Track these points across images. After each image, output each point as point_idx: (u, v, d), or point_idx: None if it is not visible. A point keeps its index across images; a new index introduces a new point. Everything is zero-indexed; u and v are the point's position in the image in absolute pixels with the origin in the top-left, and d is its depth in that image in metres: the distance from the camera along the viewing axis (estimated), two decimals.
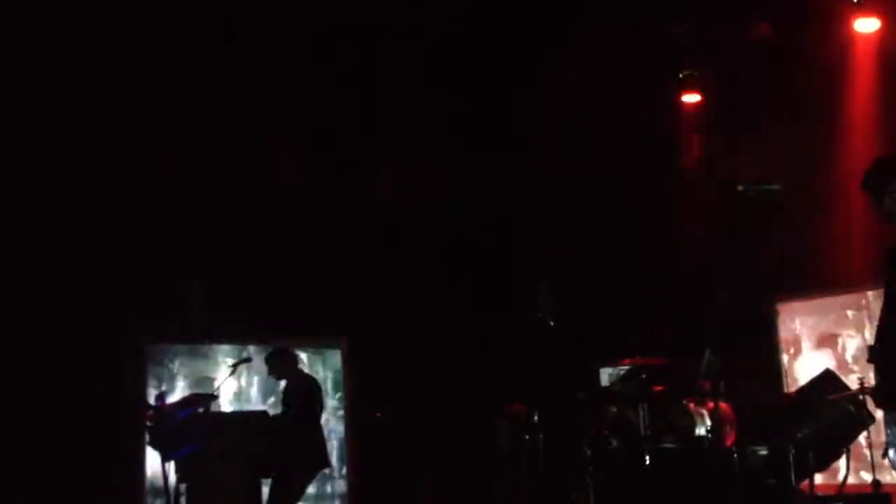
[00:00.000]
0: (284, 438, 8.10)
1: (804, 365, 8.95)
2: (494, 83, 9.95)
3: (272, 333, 9.59)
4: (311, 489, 10.25)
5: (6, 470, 8.16)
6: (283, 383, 8.75)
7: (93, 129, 9.11)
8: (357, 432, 10.52)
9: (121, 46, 8.81)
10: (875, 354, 4.47)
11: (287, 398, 8.54)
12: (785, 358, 9.17)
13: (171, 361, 10.17)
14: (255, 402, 10.20)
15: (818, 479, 7.01)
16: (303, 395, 8.48)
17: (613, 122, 9.42)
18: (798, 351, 9.14)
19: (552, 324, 7.89)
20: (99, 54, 8.80)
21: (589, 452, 7.19)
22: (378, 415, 9.38)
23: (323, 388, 9.86)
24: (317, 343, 10.59)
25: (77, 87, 8.89)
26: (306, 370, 9.63)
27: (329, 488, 10.55)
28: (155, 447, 7.86)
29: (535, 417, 8.35)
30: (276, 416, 8.56)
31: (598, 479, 7.14)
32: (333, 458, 10.18)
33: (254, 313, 9.68)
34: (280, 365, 8.65)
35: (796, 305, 9.19)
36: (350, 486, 10.53)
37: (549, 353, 9.09)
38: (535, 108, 9.85)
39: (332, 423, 10.51)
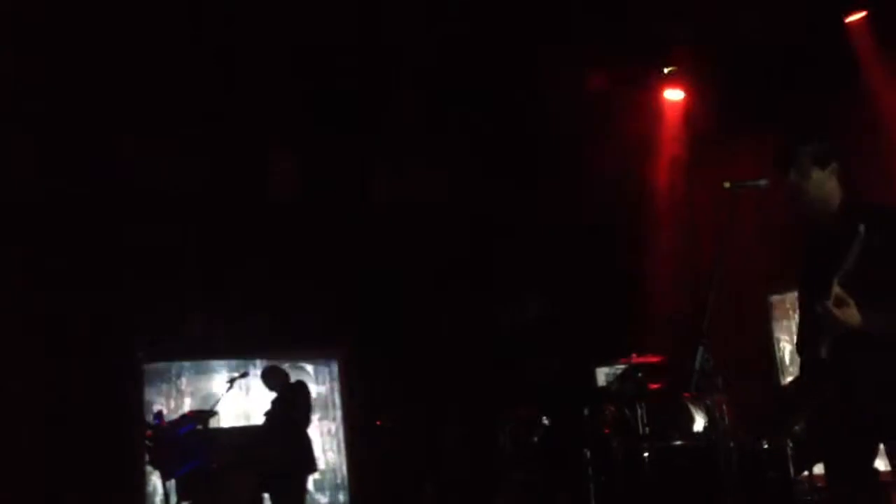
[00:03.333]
0: (279, 448, 8.14)
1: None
2: (489, 86, 9.94)
3: (269, 347, 9.62)
4: (323, 499, 10.30)
5: (5, 491, 8.14)
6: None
7: (94, 145, 9.10)
8: (357, 440, 10.53)
9: (123, 58, 8.78)
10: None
11: (273, 409, 8.68)
12: (782, 350, 9.17)
13: (175, 378, 10.15)
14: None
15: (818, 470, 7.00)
16: (285, 405, 8.64)
17: (607, 121, 9.42)
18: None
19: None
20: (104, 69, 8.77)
21: (588, 453, 7.19)
22: (378, 422, 9.38)
23: (330, 398, 9.94)
24: (315, 354, 10.58)
25: (77, 101, 8.85)
26: (311, 382, 9.79)
27: (342, 497, 10.53)
28: (155, 466, 7.88)
29: (543, 420, 8.34)
30: (264, 427, 8.65)
31: (599, 480, 7.13)
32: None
33: (252, 328, 9.69)
34: (271, 379, 8.86)
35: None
36: (352, 495, 10.51)
37: (549, 354, 9.09)
38: (527, 109, 9.84)
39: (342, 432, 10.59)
